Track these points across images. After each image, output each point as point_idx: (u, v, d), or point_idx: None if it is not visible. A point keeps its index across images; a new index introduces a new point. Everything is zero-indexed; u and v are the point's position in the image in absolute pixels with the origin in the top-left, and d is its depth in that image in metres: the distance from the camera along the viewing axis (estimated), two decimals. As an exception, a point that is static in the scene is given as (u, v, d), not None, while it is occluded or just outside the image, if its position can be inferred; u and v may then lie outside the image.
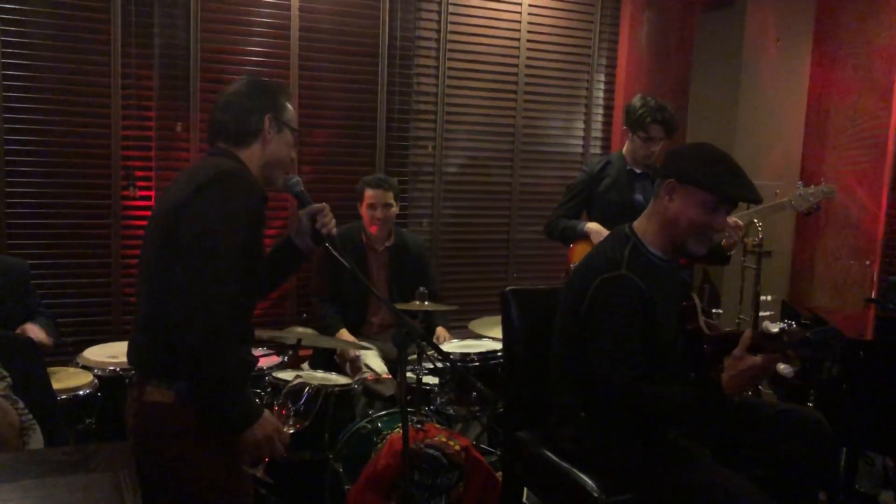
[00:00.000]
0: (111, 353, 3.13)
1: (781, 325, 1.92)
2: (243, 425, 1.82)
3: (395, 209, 3.75)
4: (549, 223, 3.78)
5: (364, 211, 3.72)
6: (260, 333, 2.95)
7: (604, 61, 4.93)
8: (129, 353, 1.93)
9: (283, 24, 4.08)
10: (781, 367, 1.90)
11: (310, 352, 3.66)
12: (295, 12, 4.08)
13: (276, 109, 1.99)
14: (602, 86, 4.95)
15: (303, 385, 2.73)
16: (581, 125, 4.94)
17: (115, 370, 3.00)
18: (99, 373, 2.97)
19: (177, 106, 3.93)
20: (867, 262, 4.71)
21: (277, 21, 4.07)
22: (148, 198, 3.90)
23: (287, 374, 3.05)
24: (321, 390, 2.83)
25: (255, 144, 1.96)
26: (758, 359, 1.97)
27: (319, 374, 3.23)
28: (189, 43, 3.88)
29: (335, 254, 2.06)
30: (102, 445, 1.59)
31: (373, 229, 3.71)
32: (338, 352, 3.54)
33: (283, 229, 4.08)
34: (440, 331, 3.73)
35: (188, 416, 1.81)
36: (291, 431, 2.60)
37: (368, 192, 3.69)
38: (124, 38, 3.77)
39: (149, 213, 3.87)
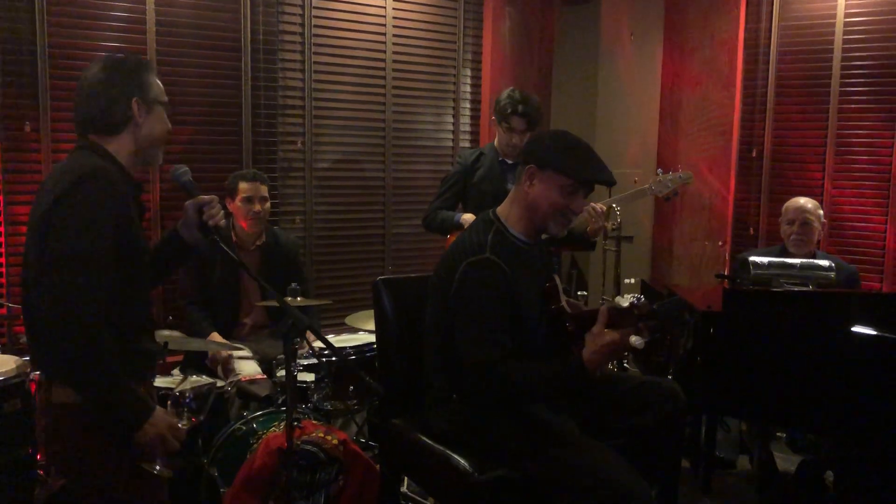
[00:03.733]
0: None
1: (632, 299, 2.02)
2: (134, 425, 1.79)
3: (268, 204, 3.68)
4: (426, 216, 3.82)
5: (237, 206, 3.59)
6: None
7: (469, 56, 5.01)
8: (33, 356, 1.92)
9: (137, 17, 3.91)
10: (633, 339, 2.00)
11: (180, 357, 3.53)
12: (150, 4, 3.92)
13: (141, 90, 1.93)
14: (469, 80, 5.03)
15: (195, 383, 2.71)
16: (450, 119, 5.00)
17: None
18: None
19: (24, 105, 3.69)
20: (720, 243, 5.04)
21: (131, 14, 3.90)
22: (-4, 203, 3.66)
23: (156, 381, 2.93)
24: (213, 386, 2.81)
25: (125, 132, 1.92)
26: (615, 333, 2.07)
27: (192, 377, 3.12)
28: (35, 37, 3.66)
29: (223, 247, 2.00)
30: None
31: (244, 224, 3.60)
32: (210, 355, 3.44)
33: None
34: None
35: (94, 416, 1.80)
36: (186, 427, 2.51)
37: (244, 186, 3.58)
38: (-40, 32, 3.52)
39: (0, 218, 3.67)
